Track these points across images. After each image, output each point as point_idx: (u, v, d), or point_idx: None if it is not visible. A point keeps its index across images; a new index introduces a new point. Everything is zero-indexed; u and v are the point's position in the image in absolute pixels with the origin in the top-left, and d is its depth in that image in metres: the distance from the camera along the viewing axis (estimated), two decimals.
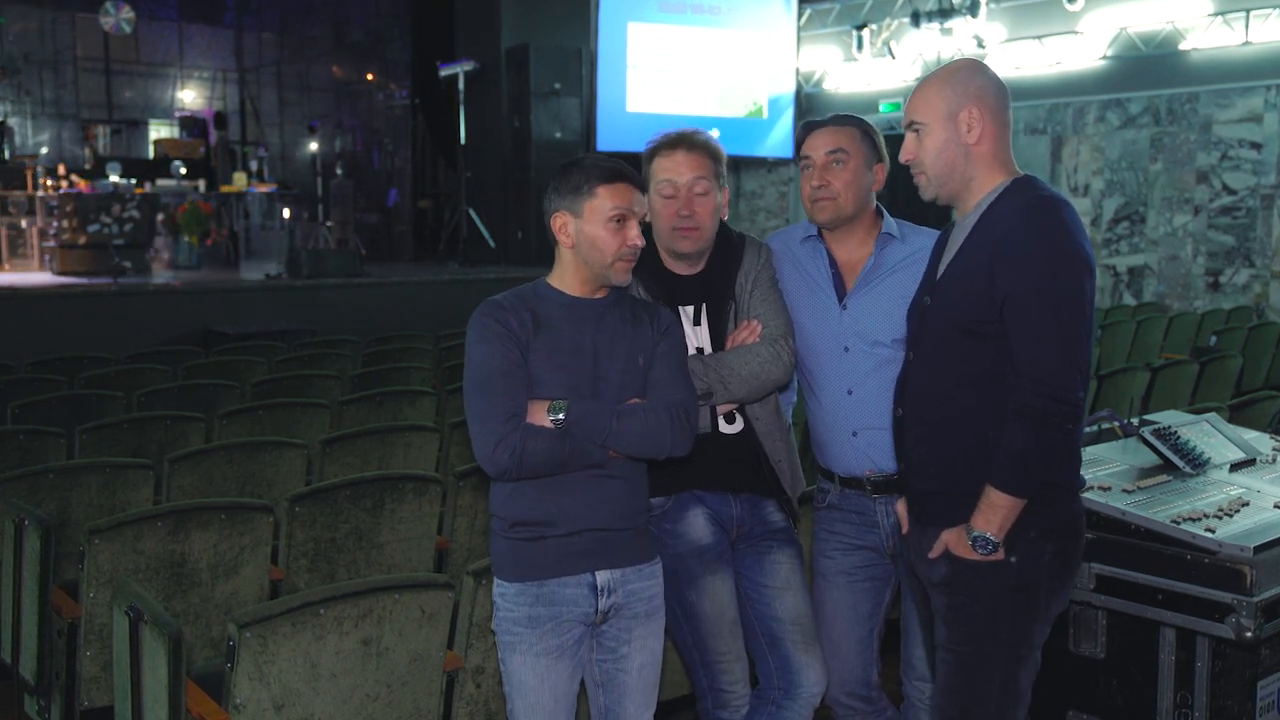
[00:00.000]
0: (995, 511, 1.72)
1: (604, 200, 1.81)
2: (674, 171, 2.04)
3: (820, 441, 2.21)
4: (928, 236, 2.17)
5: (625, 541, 1.87)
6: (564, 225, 1.84)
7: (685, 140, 2.07)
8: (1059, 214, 1.71)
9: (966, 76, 1.81)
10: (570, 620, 1.84)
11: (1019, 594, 1.76)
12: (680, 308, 2.08)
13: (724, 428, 2.10)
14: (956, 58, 1.92)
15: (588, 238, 1.82)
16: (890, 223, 2.19)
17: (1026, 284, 1.68)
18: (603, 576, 1.84)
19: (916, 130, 1.82)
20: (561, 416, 1.77)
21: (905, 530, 1.92)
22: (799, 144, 2.18)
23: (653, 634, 1.92)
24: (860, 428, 2.13)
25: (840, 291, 2.16)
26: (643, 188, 1.87)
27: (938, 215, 2.11)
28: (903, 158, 1.86)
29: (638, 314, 1.90)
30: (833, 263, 2.18)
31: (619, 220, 1.81)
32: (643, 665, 1.91)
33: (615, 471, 1.84)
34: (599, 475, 1.82)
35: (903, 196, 9.60)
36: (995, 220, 1.75)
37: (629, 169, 1.86)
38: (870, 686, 2.22)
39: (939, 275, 1.84)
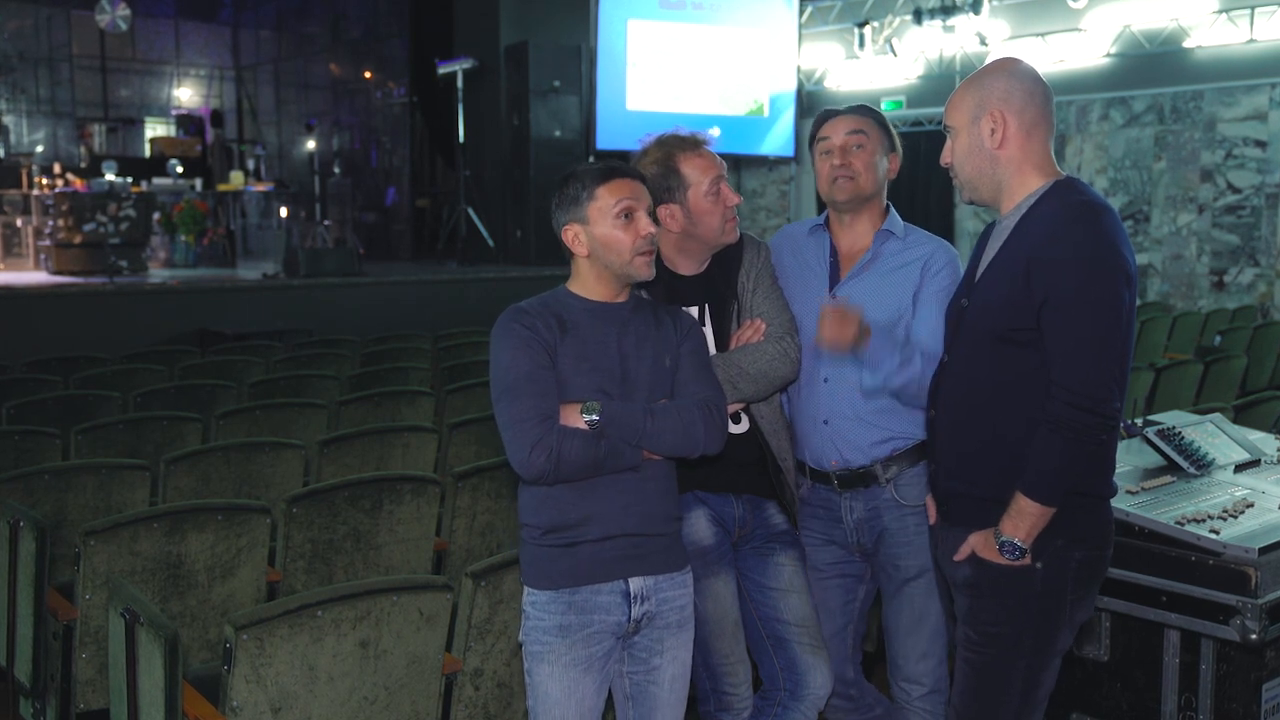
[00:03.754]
0: (1024, 518, 1.70)
1: (606, 199, 1.80)
2: (714, 168, 2.07)
3: (795, 430, 2.22)
4: (934, 242, 2.18)
5: (658, 548, 1.85)
6: (575, 235, 1.83)
7: (696, 140, 2.10)
8: (1098, 219, 1.69)
9: (992, 80, 1.79)
10: (602, 631, 1.82)
11: (1043, 600, 1.74)
12: (683, 309, 2.07)
13: (731, 428, 2.08)
14: (999, 57, 1.91)
15: (600, 240, 1.81)
16: (895, 220, 2.20)
17: (1063, 291, 1.66)
18: (636, 584, 1.83)
19: (950, 135, 1.83)
20: (596, 418, 1.76)
21: (933, 520, 1.92)
22: (816, 129, 2.21)
23: (684, 645, 1.90)
24: (831, 415, 2.14)
25: (835, 280, 2.17)
26: (642, 179, 1.86)
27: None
28: (941, 161, 1.86)
29: (660, 317, 1.90)
30: (834, 252, 2.20)
31: (626, 214, 1.80)
32: (674, 677, 1.89)
33: (647, 474, 1.83)
34: (631, 478, 1.81)
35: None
36: (1033, 224, 1.74)
37: (623, 164, 1.87)
38: (847, 684, 2.22)
39: (977, 278, 1.83)
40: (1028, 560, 1.73)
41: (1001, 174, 1.79)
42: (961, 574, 1.80)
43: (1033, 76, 1.80)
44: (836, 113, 2.20)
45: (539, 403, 1.75)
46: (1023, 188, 1.78)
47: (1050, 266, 1.67)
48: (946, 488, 1.85)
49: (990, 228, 1.89)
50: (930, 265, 2.13)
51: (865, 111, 2.20)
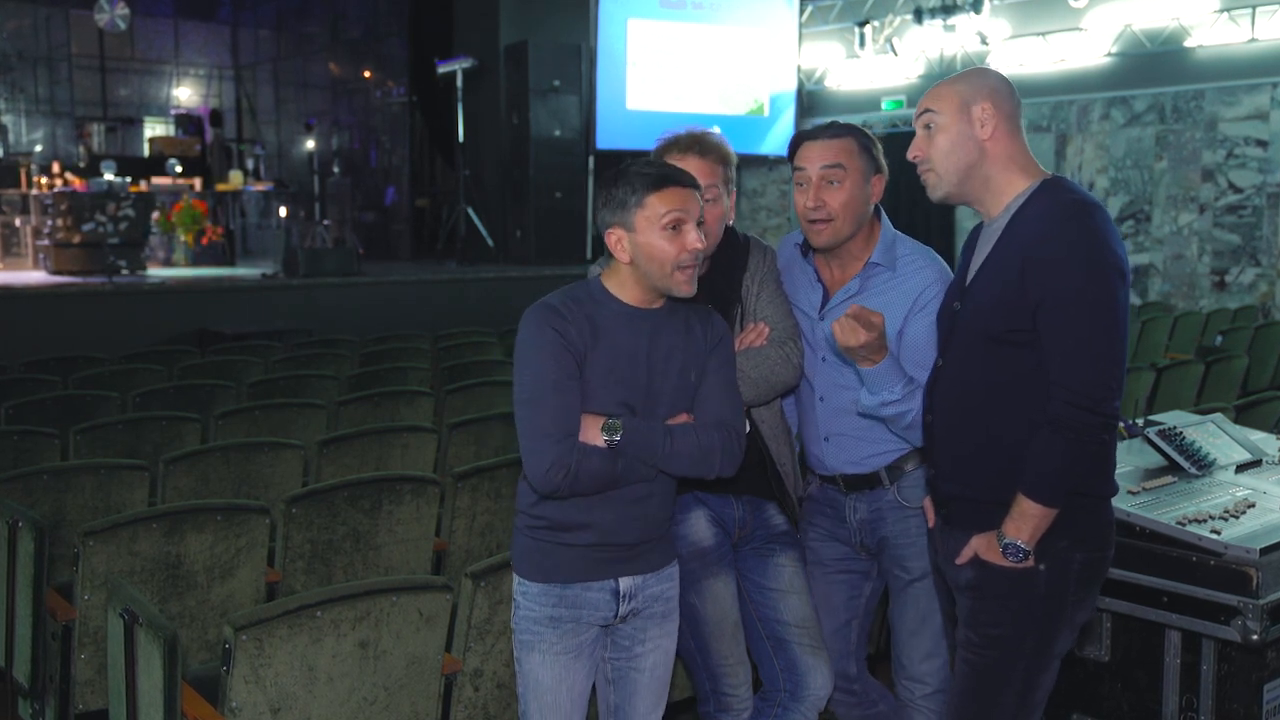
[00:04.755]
0: (1027, 520, 1.70)
1: (655, 207, 1.75)
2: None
3: (802, 438, 2.23)
4: (930, 271, 2.07)
5: (649, 550, 1.87)
6: (619, 240, 1.78)
7: (698, 144, 2.04)
8: (1089, 216, 1.68)
9: (982, 76, 1.82)
10: (590, 622, 1.84)
11: (1046, 602, 1.74)
12: (716, 313, 2.05)
13: None
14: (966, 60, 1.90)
15: (644, 249, 1.77)
16: (885, 244, 2.08)
17: (1060, 292, 1.65)
18: (625, 583, 1.84)
19: (929, 125, 1.79)
20: (617, 438, 1.75)
21: (931, 524, 1.92)
22: (792, 151, 2.10)
23: (667, 634, 1.92)
24: (831, 434, 2.15)
25: (826, 299, 2.14)
26: (695, 186, 1.80)
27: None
28: (910, 154, 1.81)
29: (690, 323, 1.86)
30: (819, 274, 2.15)
31: (674, 226, 1.75)
32: (655, 665, 1.91)
33: (655, 489, 1.83)
34: (639, 489, 1.80)
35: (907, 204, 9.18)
36: (1025, 224, 1.73)
37: (678, 171, 1.80)
38: (849, 679, 2.22)
39: (968, 281, 1.82)
40: (1031, 562, 1.73)
41: (989, 169, 1.77)
42: (964, 577, 1.80)
43: (1010, 84, 1.83)
44: (813, 136, 2.06)
45: (561, 417, 1.73)
46: (1010, 187, 1.77)
47: (1045, 266, 1.66)
48: (944, 490, 1.85)
49: (978, 230, 1.87)
50: (921, 297, 2.03)
51: (845, 133, 2.04)
